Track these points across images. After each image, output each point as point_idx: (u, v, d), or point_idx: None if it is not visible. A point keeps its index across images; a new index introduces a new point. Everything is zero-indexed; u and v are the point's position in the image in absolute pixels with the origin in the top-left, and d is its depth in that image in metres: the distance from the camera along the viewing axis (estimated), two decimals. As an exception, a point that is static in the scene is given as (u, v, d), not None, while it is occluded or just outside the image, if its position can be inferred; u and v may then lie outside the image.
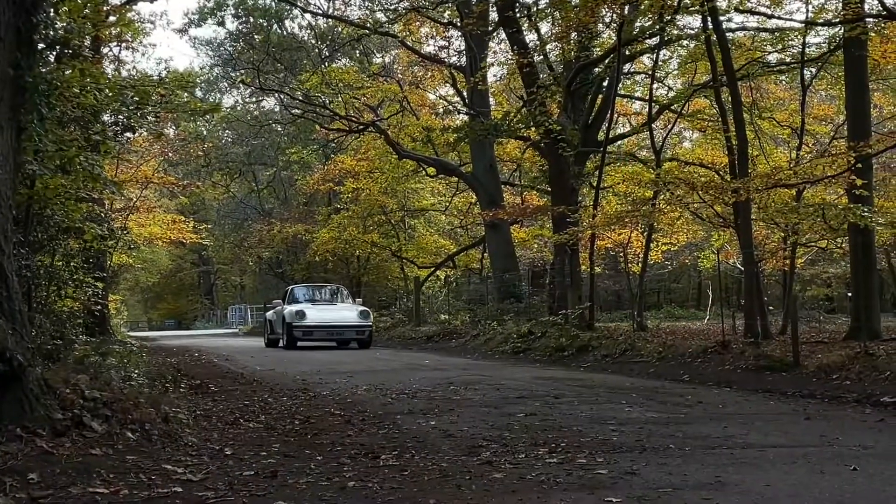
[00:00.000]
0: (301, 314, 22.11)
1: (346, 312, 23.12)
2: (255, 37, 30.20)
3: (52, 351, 10.51)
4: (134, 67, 23.25)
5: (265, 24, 30.13)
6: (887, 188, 22.96)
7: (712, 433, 6.88)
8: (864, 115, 14.73)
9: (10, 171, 6.13)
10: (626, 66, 23.30)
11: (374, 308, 33.16)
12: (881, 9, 11.41)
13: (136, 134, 20.63)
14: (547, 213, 22.49)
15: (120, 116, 12.09)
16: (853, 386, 9.81)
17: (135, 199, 27.97)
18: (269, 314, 25.96)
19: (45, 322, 11.11)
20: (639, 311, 21.20)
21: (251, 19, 30.57)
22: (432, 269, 31.24)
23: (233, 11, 29.42)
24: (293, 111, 32.29)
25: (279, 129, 38.52)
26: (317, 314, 22.56)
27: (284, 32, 30.35)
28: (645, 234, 22.68)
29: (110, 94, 11.10)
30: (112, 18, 16.14)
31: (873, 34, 15.35)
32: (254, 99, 35.27)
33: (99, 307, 18.29)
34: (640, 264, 24.78)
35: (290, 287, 27.18)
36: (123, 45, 21.65)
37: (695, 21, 19.75)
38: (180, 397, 8.84)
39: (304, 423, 8.00)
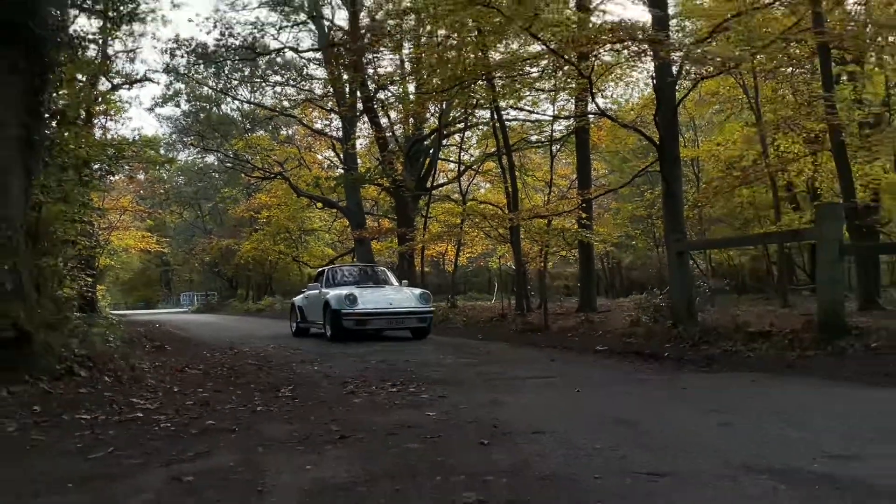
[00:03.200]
0: (352, 299, 11.45)
1: (403, 295, 12.20)
2: (201, 115, 29.04)
3: (53, 324, 9.86)
4: (116, 133, 22.09)
5: (207, 106, 29.03)
6: (601, 219, 23.86)
7: (494, 371, 6.93)
8: (588, 173, 15.28)
9: (22, 202, 5.83)
10: (445, 140, 23.46)
11: (281, 295, 32.44)
12: (597, 110, 11.85)
13: (116, 177, 19.69)
14: (394, 233, 22.40)
15: (103, 164, 11.62)
16: (580, 340, 10.02)
17: (115, 221, 27.88)
18: (299, 299, 14.13)
19: (49, 304, 10.50)
20: (452, 295, 21.39)
21: (198, 103, 29.46)
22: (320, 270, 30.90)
23: (185, 98, 28.30)
24: (226, 164, 31.60)
25: (217, 175, 37.34)
26: (371, 298, 11.78)
27: (220, 112, 29.27)
28: (455, 246, 22.95)
29: (97, 149, 10.66)
30: (100, 99, 15.59)
31: (593, 125, 15.99)
32: (200, 155, 33.90)
33: (89, 294, 17.23)
34: (452, 265, 25.09)
35: (327, 268, 14.40)
36: (108, 117, 20.47)
37: (486, 113, 20.08)
38: (144, 354, 8.42)
39: (230, 370, 7.72)
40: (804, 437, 3.47)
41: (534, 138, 21.55)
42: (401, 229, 19.17)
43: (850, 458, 3.03)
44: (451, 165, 26.65)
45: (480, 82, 13.26)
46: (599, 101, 18.98)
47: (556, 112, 19.82)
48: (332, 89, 21.67)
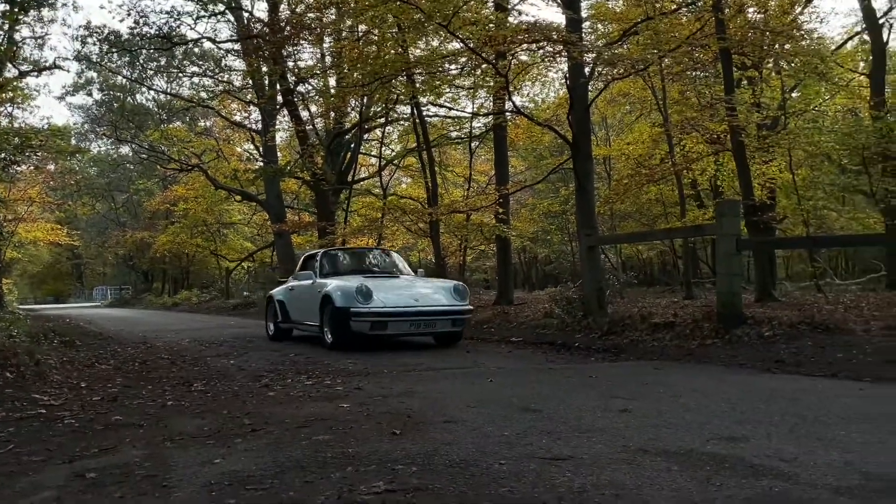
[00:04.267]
0: (365, 293, 8.06)
1: (431, 289, 8.76)
2: (114, 104, 27.90)
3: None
4: (23, 122, 21.00)
5: (121, 95, 27.93)
6: (519, 214, 24.17)
7: (410, 362, 6.92)
8: (505, 170, 15.41)
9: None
10: (366, 135, 23.28)
11: (198, 289, 31.52)
12: (513, 108, 12.00)
13: (23, 167, 18.73)
14: (315, 226, 22.12)
15: (8, 154, 10.99)
16: (496, 332, 10.10)
17: (23, 213, 26.55)
18: (280, 292, 10.45)
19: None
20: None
21: (111, 92, 28.28)
22: (238, 262, 30.06)
23: (98, 86, 27.10)
24: (141, 155, 30.48)
25: (131, 166, 35.91)
26: (390, 292, 8.36)
27: (135, 101, 28.22)
28: (376, 240, 22.82)
29: (0, 138, 10.03)
30: (6, 87, 14.74)
31: (510, 123, 16.17)
32: (113, 146, 32.57)
33: (-5, 288, 16.38)
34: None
35: (320, 251, 10.39)
36: (14, 105, 19.43)
37: (407, 109, 20.05)
38: (52, 349, 8.04)
39: (142, 364, 7.48)
40: (699, 421, 3.62)
41: (454, 134, 21.67)
42: (321, 223, 18.92)
43: (737, 439, 3.18)
44: (373, 160, 26.50)
45: (401, 78, 13.21)
46: (517, 99, 19.24)
47: (475, 109, 19.97)
48: (250, 81, 21.21)
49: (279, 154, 25.18)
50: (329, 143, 20.39)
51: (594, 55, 10.28)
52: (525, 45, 10.53)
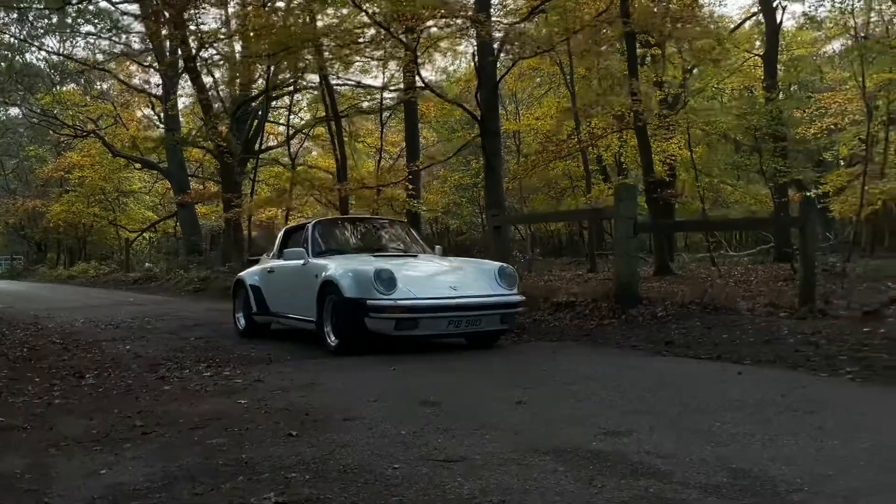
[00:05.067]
0: (386, 279, 5.85)
1: (471, 273, 6.55)
2: (1, 63, 26.08)
3: None
4: None
5: (9, 55, 26.12)
6: (431, 187, 24.23)
7: (318, 350, 6.67)
8: (416, 145, 15.44)
9: None
10: (274, 102, 22.69)
11: (96, 261, 30.14)
12: (423, 84, 11.95)
13: None
14: (221, 197, 21.51)
15: None
16: None
17: None
18: (253, 275, 8.09)
19: None
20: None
21: (-2, 50, 26.40)
22: (139, 233, 28.92)
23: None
24: (32, 119, 28.71)
25: (21, 131, 33.82)
26: (418, 278, 6.30)
27: (24, 62, 26.45)
28: (285, 211, 22.44)
29: None
30: None
31: (421, 97, 16.09)
32: (1, 108, 30.56)
33: None
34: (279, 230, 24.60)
35: (311, 222, 7.86)
36: None
37: (316, 77, 19.66)
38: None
39: (31, 350, 7.14)
40: (588, 413, 3.77)
41: (365, 105, 21.40)
42: (227, 195, 18.40)
43: (622, 434, 3.32)
44: (281, 129, 25.89)
45: (309, 48, 12.90)
46: (428, 70, 19.14)
47: (386, 80, 19.79)
48: (150, 45, 20.25)
49: (182, 120, 24.26)
50: (235, 110, 19.77)
51: (502, 34, 10.33)
52: (432, 21, 10.48)
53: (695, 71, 19.73)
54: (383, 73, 19.74)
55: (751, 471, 2.73)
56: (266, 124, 22.76)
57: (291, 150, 22.81)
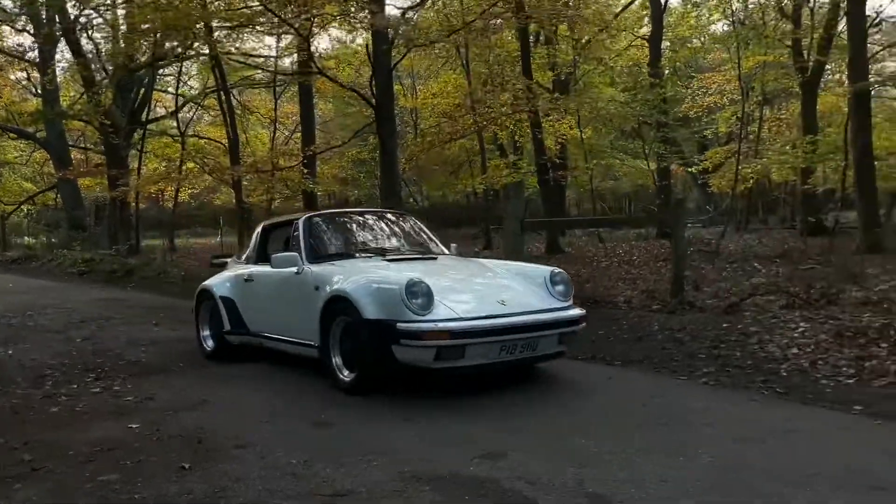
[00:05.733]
0: (421, 294, 4.56)
1: (516, 281, 5.31)
2: None
3: None
4: None
5: None
6: (329, 160, 23.96)
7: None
8: (311, 126, 15.32)
9: None
10: (161, 70, 21.78)
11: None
12: (317, 69, 11.87)
13: None
14: (104, 172, 20.57)
15: None
16: None
17: None
18: (224, 285, 6.57)
19: None
20: (171, 238, 20.47)
21: None
22: (16, 206, 27.20)
23: None
24: None
25: None
26: (456, 290, 5.02)
27: None
28: (174, 186, 21.79)
29: None
30: None
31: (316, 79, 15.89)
32: None
33: None
34: (172, 202, 23.86)
35: (301, 217, 6.08)
36: None
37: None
38: None
39: None
40: (467, 433, 4.05)
41: (259, 76, 20.90)
42: (112, 172, 17.68)
43: (498, 456, 3.63)
44: (170, 97, 24.94)
45: (198, 30, 12.52)
46: (324, 41, 18.80)
47: (280, 51, 19.39)
48: (24, 8, 18.97)
49: (60, 87, 22.94)
50: (119, 79, 18.89)
51: (396, 23, 10.40)
52: (327, 6, 10.41)
53: (586, 47, 20.35)
54: (277, 43, 19.36)
55: (606, 496, 3.09)
56: (154, 93, 21.88)
57: (183, 119, 22.05)
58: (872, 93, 15.94)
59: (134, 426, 4.38)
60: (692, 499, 3.05)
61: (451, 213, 28.41)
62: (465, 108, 16.12)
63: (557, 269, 5.47)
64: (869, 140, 13.98)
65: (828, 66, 18.71)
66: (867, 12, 15.17)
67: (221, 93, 15.99)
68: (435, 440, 3.94)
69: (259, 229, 6.87)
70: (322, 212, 6.66)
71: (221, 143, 20.93)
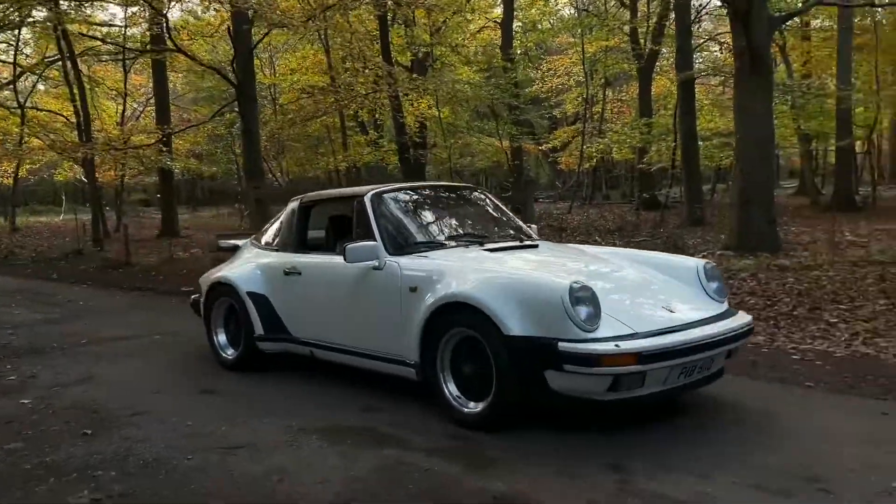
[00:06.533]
0: (589, 301, 3.43)
1: (670, 279, 4.14)
2: None
3: None
4: None
5: None
6: (183, 137, 23.24)
7: (81, 330, 6.85)
8: (166, 104, 15.04)
9: None
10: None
11: None
12: (174, 46, 11.76)
13: None
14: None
15: None
16: (165, 280, 10.19)
17: None
18: (251, 278, 5.17)
19: None
20: (12, 218, 19.31)
21: None
22: None
23: None
24: None
25: None
26: (620, 297, 3.84)
27: None
28: (14, 162, 20.51)
29: None
30: None
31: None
32: None
33: None
34: (11, 179, 22.41)
35: (366, 196, 4.57)
36: None
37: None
38: None
39: None
40: (350, 393, 4.63)
41: (107, 48, 19.98)
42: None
43: (374, 409, 4.25)
44: (6, 67, 23.24)
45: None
46: (176, 14, 18.32)
47: (127, 22, 18.65)
48: None
49: None
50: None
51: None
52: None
53: (442, 29, 21.08)
54: (125, 13, 18.58)
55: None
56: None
57: (20, 93, 20.67)
58: (697, 80, 17.72)
59: (26, 402, 4.59)
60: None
61: (312, 190, 28.63)
62: (326, 88, 16.38)
63: (709, 262, 4.35)
64: (693, 123, 15.69)
65: (663, 51, 20.47)
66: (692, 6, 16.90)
67: (69, 63, 15.30)
68: (317, 403, 4.47)
69: (296, 205, 5.36)
70: (388, 187, 4.90)
71: (64, 117, 19.91)
